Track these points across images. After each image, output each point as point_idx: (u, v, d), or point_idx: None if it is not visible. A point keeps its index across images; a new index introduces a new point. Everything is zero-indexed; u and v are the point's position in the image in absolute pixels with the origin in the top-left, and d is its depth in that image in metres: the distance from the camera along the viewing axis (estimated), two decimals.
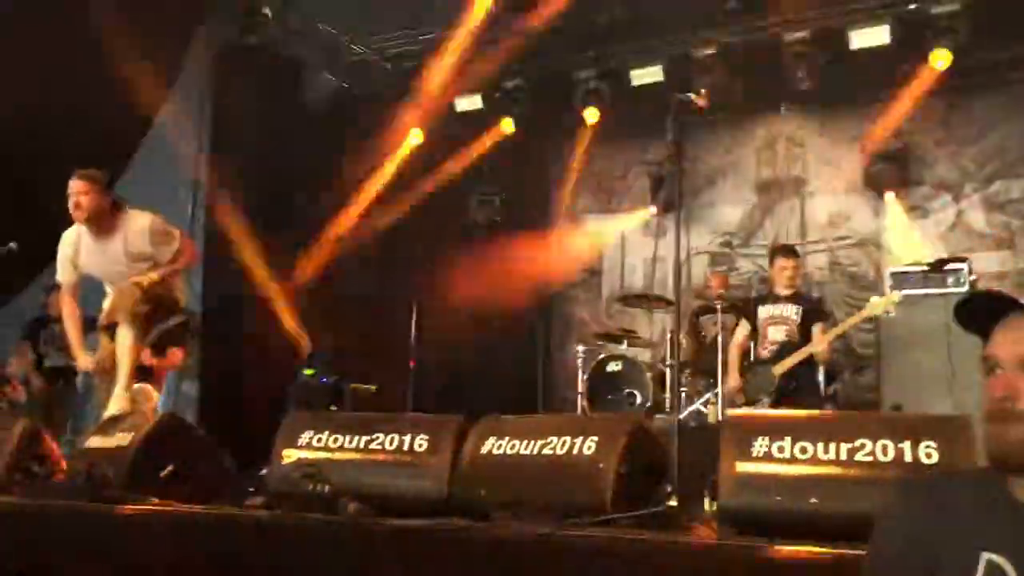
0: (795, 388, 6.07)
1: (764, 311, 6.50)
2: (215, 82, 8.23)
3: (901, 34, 7.80)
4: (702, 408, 7.22)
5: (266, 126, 8.20)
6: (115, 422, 4.59)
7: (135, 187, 7.57)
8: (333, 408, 8.15)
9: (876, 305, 6.08)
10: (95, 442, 4.48)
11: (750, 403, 6.14)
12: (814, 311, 6.45)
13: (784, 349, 6.23)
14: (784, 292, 6.47)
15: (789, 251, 6.73)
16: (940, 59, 7.68)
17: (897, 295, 6.03)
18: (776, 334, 6.35)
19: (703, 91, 8.07)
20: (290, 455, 4.08)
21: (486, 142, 9.56)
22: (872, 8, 7.95)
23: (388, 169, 9.56)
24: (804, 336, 6.27)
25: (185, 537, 3.74)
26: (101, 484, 4.03)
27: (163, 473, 4.17)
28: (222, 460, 4.46)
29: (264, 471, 4.27)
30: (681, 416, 6.20)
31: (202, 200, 8.16)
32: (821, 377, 6.60)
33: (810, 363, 6.25)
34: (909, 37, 7.85)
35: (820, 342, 6.15)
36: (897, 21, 7.78)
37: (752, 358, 6.61)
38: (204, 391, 8.11)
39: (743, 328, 6.67)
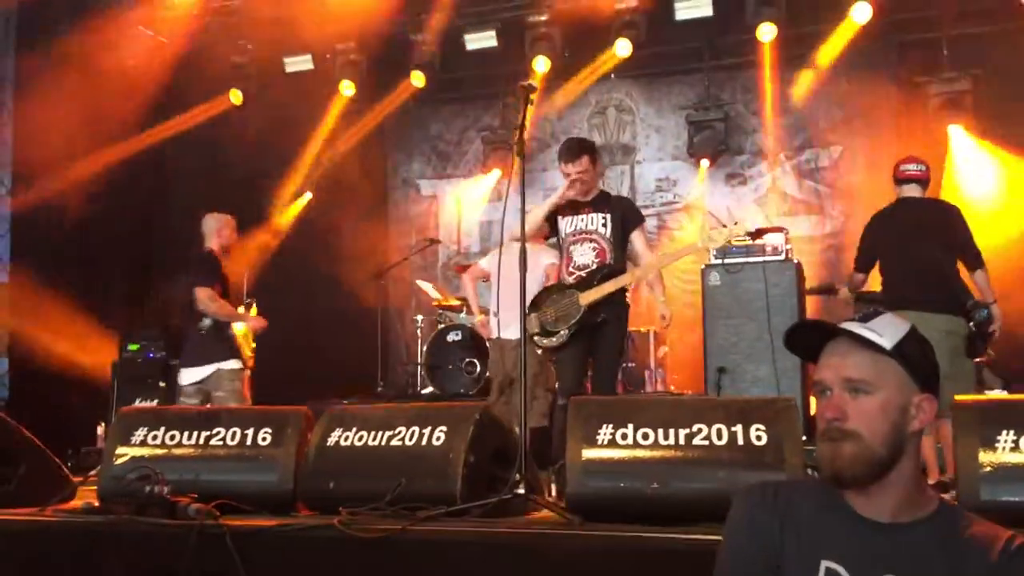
0: (602, 321, 4.97)
1: (565, 224, 5.20)
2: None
3: (723, 7, 8.11)
4: None
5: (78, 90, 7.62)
6: None
7: None
8: (161, 384, 7.84)
9: (715, 239, 5.08)
10: None
11: (546, 335, 5.02)
12: (627, 216, 5.20)
13: (595, 275, 5.01)
14: (584, 199, 5.16)
15: (571, 150, 5.12)
16: (766, 33, 8.02)
17: (741, 229, 5.09)
18: (583, 256, 5.11)
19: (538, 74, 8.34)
20: (123, 454, 3.89)
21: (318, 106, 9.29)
22: None
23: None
24: (619, 250, 5.12)
25: (3, 548, 3.51)
26: None
27: None
28: (47, 458, 4.17)
29: (94, 472, 4.04)
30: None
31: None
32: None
33: (622, 291, 5.11)
34: (731, 10, 8.17)
35: (647, 266, 5.18)
36: None
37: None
38: (15, 368, 7.58)
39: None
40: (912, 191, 5.39)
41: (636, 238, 5.17)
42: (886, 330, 1.75)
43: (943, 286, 5.14)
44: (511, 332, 5.90)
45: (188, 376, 6.02)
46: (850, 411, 1.72)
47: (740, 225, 5.11)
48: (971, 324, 5.02)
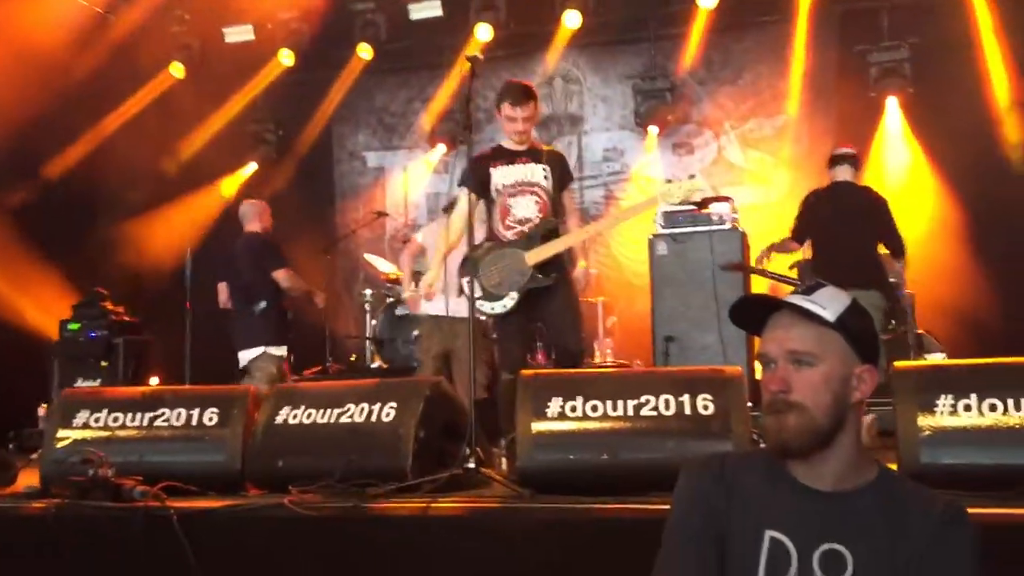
0: (553, 283, 4.55)
1: (500, 175, 4.70)
2: None
3: None
4: None
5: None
6: None
7: None
8: (104, 364, 7.69)
9: (673, 193, 4.60)
10: None
11: (491, 299, 4.53)
12: (563, 171, 4.83)
13: (538, 231, 4.60)
14: (519, 148, 4.74)
15: (523, 93, 4.68)
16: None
17: (698, 184, 4.72)
18: (524, 209, 4.65)
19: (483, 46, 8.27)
20: (65, 437, 3.82)
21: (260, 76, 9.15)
22: None
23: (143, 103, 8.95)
24: (558, 204, 4.76)
25: None
26: None
27: None
28: None
29: (35, 455, 3.96)
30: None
31: None
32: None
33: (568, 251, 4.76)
34: None
35: (603, 222, 4.96)
36: None
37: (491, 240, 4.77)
38: None
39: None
40: (845, 173, 5.80)
41: (567, 196, 4.82)
42: (829, 303, 1.77)
43: (872, 266, 5.63)
44: (453, 308, 5.92)
45: (242, 359, 6.14)
46: (794, 383, 1.74)
47: (696, 180, 4.79)
48: (888, 302, 5.48)
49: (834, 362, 1.75)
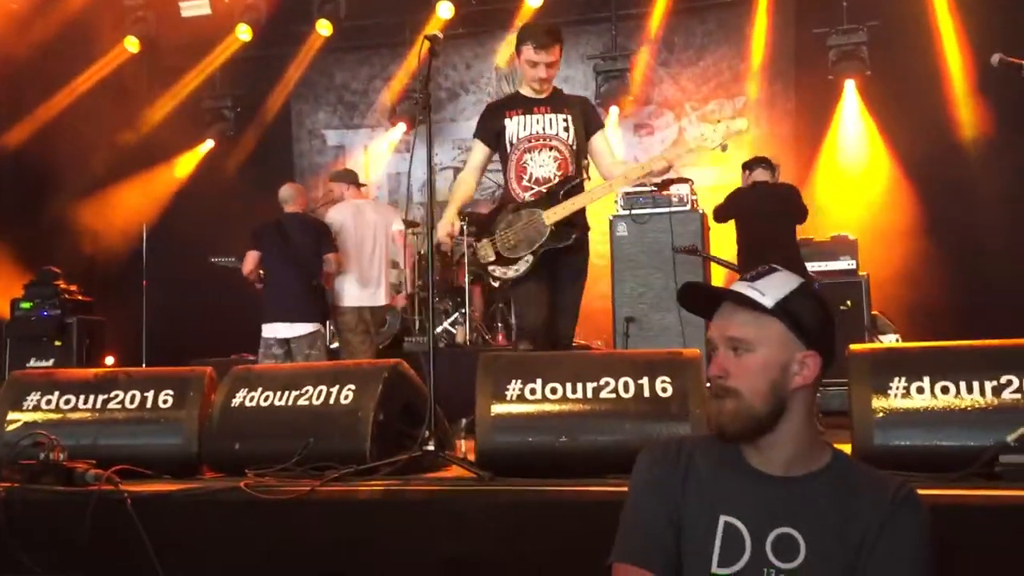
0: (570, 244, 4.17)
1: (516, 126, 4.28)
2: None
3: None
4: (450, 328, 7.37)
5: None
6: None
7: None
8: (57, 344, 7.57)
9: (709, 136, 4.28)
10: None
11: (504, 263, 4.20)
12: (589, 117, 4.36)
13: (559, 189, 4.16)
14: (538, 96, 4.30)
15: (548, 35, 4.19)
16: None
17: (736, 123, 4.26)
18: (543, 167, 4.21)
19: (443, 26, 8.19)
20: (15, 420, 3.74)
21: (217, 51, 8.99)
22: None
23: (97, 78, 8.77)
24: (580, 159, 4.28)
25: None
26: None
27: None
28: None
29: None
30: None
31: None
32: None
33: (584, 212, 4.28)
34: None
35: (627, 173, 4.23)
36: None
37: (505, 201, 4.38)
38: None
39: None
40: (763, 174, 6.24)
41: (599, 140, 4.31)
42: (770, 289, 1.78)
43: (792, 258, 5.95)
44: (380, 297, 6.37)
45: (284, 331, 6.22)
46: (732, 369, 1.77)
47: (736, 122, 4.29)
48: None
49: (772, 348, 1.76)
